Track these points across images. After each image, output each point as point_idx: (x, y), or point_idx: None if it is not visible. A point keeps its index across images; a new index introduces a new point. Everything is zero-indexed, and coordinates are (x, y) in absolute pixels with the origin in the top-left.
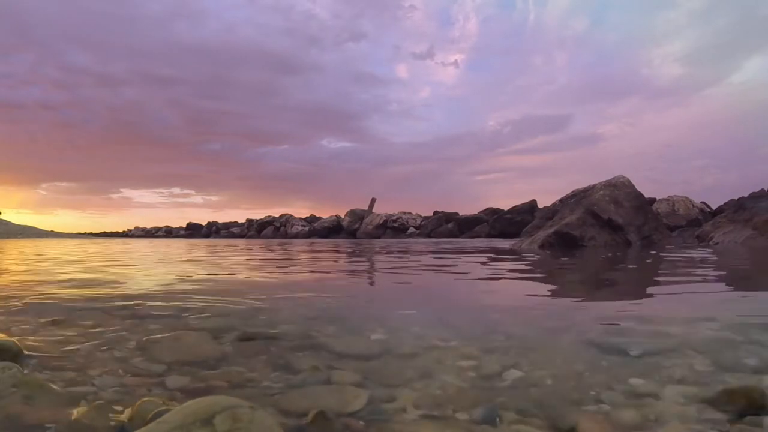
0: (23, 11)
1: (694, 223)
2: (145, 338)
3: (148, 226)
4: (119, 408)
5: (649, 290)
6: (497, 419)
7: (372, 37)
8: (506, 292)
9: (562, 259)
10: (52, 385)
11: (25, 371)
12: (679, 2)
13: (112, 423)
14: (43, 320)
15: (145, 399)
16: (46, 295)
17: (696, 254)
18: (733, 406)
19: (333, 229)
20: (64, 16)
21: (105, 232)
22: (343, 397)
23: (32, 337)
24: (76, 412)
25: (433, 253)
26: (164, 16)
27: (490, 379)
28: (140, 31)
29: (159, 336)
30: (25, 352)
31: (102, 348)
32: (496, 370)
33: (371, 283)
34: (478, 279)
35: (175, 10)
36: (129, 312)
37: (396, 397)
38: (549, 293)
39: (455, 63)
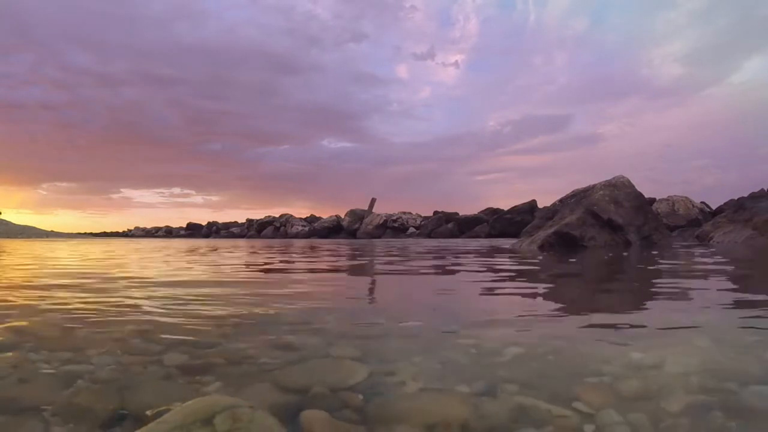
0: (24, 11)
1: (694, 223)
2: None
3: (148, 226)
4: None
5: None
6: (498, 392)
7: (373, 37)
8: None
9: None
10: (49, 366)
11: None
12: (679, 2)
13: (111, 406)
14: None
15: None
16: None
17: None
18: None
19: (333, 229)
20: (65, 16)
21: (105, 232)
22: (342, 372)
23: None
24: (73, 394)
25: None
26: (165, 17)
27: (491, 355)
28: (141, 31)
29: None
30: (23, 336)
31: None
32: (496, 347)
33: None
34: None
35: (176, 10)
36: None
37: (396, 372)
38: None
39: (455, 63)
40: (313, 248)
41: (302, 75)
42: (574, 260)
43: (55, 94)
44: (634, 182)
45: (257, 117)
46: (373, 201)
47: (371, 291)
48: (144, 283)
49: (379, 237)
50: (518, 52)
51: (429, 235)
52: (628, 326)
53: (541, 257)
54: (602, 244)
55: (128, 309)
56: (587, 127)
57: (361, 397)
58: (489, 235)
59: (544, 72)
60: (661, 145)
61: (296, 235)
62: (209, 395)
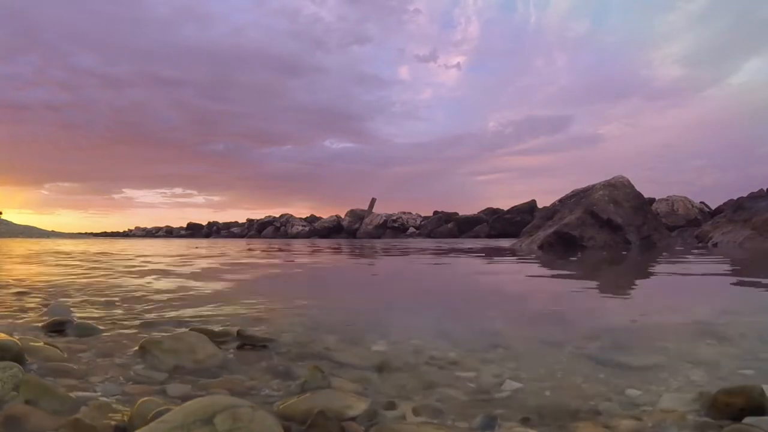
0: (31, 13)
1: (693, 223)
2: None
3: (149, 226)
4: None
5: None
6: (496, 426)
7: (377, 40)
8: None
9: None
10: (54, 388)
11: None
12: (678, 5)
13: (113, 422)
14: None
15: (144, 399)
16: None
17: None
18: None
19: (333, 229)
20: (71, 18)
21: (105, 232)
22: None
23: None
24: (78, 413)
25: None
26: (171, 19)
27: (489, 389)
28: (146, 33)
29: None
30: (26, 356)
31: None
32: (494, 381)
33: None
34: None
35: (183, 13)
36: None
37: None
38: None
39: (457, 65)
40: (313, 248)
41: (306, 77)
42: (575, 258)
43: (60, 95)
44: (633, 182)
45: (260, 118)
46: (373, 201)
47: (370, 302)
48: None
49: (379, 237)
50: (519, 54)
51: (429, 235)
52: (625, 357)
53: (539, 259)
54: (602, 244)
55: None
56: (587, 127)
57: (362, 428)
58: (489, 235)
59: (544, 73)
60: (660, 145)
61: (296, 235)
62: (209, 395)
